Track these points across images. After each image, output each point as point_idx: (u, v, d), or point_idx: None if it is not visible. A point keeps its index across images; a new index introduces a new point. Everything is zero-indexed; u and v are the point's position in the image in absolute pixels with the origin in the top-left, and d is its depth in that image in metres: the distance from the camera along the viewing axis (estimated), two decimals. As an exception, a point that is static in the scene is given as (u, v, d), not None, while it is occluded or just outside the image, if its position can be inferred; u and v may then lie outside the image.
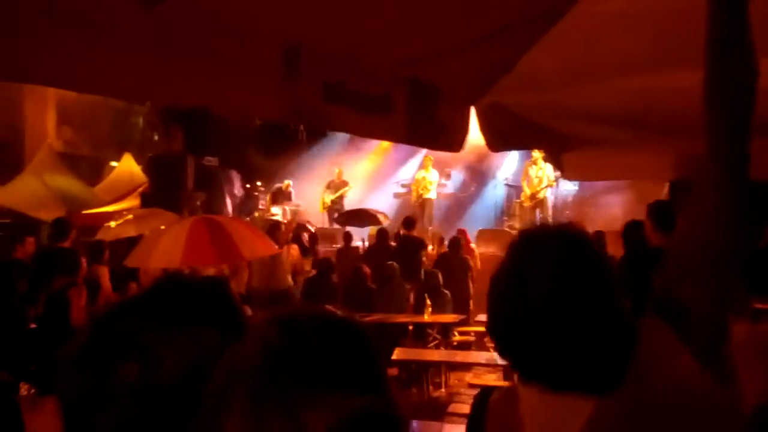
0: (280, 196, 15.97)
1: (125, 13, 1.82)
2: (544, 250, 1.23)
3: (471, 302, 9.83)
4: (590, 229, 10.48)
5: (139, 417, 0.94)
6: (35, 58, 1.70)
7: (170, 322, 0.98)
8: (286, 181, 16.19)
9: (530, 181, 13.97)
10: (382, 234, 11.35)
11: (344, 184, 15.84)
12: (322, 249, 12.21)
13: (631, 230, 5.25)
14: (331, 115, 2.55)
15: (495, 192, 16.18)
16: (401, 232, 11.03)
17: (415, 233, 10.90)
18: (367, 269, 9.41)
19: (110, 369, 0.94)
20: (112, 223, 9.72)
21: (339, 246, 12.59)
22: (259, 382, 0.81)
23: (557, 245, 1.24)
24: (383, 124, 2.88)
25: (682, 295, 1.48)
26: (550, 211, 13.94)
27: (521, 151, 13.58)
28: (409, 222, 10.97)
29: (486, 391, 1.48)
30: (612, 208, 14.10)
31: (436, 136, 3.34)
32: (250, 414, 0.79)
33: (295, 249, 10.45)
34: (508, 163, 16.17)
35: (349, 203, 15.91)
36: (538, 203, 13.87)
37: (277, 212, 15.20)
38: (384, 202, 16.63)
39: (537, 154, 13.43)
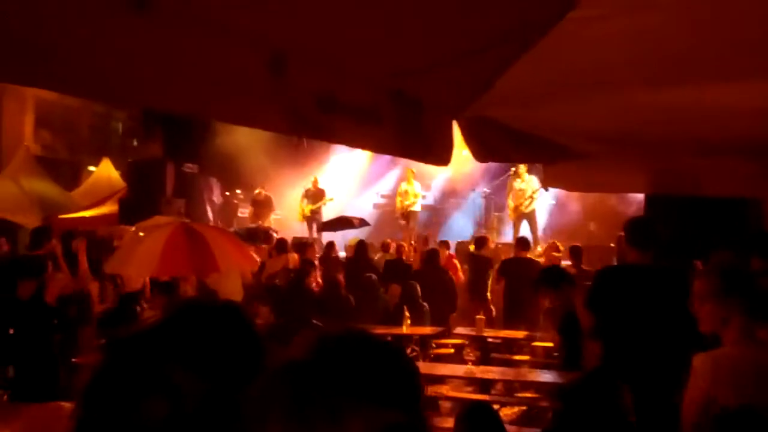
0: (262, 207, 15.93)
1: (114, 18, 1.84)
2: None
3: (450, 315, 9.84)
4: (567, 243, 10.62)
5: None
6: (23, 60, 1.71)
7: (192, 352, 0.99)
8: (257, 189, 16.15)
9: (515, 194, 13.98)
10: (361, 246, 11.40)
11: (321, 192, 15.76)
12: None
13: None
14: (326, 126, 2.57)
15: (474, 204, 16.25)
16: (471, 251, 11.22)
17: (484, 252, 11.00)
18: (341, 278, 9.41)
19: (137, 404, 0.94)
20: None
21: (319, 255, 12.60)
22: (304, 386, 0.83)
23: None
24: (375, 135, 2.91)
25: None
26: (538, 223, 14.01)
27: (500, 165, 13.64)
28: (480, 241, 11.13)
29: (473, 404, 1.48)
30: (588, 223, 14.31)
31: (425, 149, 3.37)
32: (295, 416, 0.81)
33: (294, 257, 10.78)
34: (486, 176, 16.24)
35: (328, 213, 15.89)
36: (525, 216, 13.89)
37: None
38: (363, 213, 16.65)
39: (522, 168, 13.47)
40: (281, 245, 11.06)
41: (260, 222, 15.30)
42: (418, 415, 0.89)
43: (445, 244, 12.00)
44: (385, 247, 12.11)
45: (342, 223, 14.62)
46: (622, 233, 5.48)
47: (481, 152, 3.84)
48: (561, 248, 11.04)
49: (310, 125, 2.52)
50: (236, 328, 1.06)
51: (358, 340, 0.90)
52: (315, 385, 0.83)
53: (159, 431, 0.93)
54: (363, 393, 0.83)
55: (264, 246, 11.41)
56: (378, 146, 3.30)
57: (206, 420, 0.94)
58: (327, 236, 14.35)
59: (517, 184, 13.90)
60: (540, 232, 14.10)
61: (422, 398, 0.92)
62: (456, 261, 11.54)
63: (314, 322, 7.60)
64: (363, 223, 14.65)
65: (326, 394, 0.82)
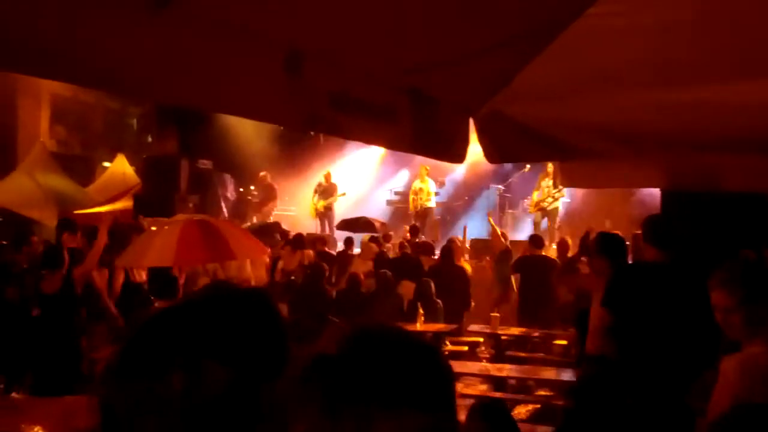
0: (264, 192, 15.92)
1: (135, 16, 1.86)
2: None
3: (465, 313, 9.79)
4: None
5: (183, 426, 0.92)
6: (47, 54, 1.74)
7: (216, 336, 0.96)
8: (262, 173, 16.07)
9: (541, 191, 14.21)
10: (374, 242, 11.45)
11: (333, 187, 15.68)
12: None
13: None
14: (341, 123, 2.57)
15: (488, 201, 16.21)
16: (528, 251, 10.17)
17: (541, 252, 10.07)
18: (361, 276, 9.42)
19: (155, 378, 0.92)
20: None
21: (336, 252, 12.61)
22: (336, 384, 0.82)
23: None
24: (390, 132, 2.91)
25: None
26: (556, 224, 14.13)
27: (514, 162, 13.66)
28: (536, 240, 10.27)
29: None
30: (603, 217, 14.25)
31: (440, 146, 3.36)
32: (324, 418, 0.80)
33: (310, 254, 10.80)
34: (500, 173, 16.19)
35: (340, 209, 15.84)
36: (546, 213, 14.06)
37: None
38: (376, 210, 16.63)
39: (550, 167, 13.66)
40: (298, 241, 11.06)
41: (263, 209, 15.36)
42: (450, 419, 0.86)
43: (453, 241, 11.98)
44: (386, 238, 12.10)
45: (362, 225, 14.53)
46: (639, 231, 5.44)
47: (493, 152, 3.81)
48: (570, 242, 11.02)
49: (326, 122, 2.52)
50: (262, 316, 1.03)
51: (395, 339, 0.88)
52: (346, 384, 0.81)
53: (176, 409, 0.90)
54: (395, 394, 0.82)
55: (280, 242, 11.40)
56: (393, 143, 3.29)
57: (226, 406, 0.91)
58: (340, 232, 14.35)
59: (545, 182, 14.08)
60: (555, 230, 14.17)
61: (454, 400, 0.90)
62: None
63: (331, 318, 7.61)
64: (384, 227, 14.53)
65: (357, 394, 0.81)
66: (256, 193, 16.26)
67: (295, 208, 16.66)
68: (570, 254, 10.43)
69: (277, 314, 1.05)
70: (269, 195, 15.78)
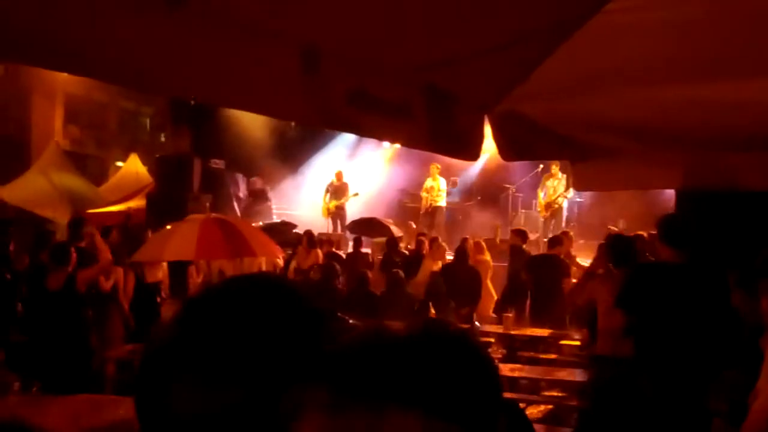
0: (260, 197, 16.01)
1: (147, 14, 1.86)
2: None
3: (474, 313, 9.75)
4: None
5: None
6: (61, 49, 1.75)
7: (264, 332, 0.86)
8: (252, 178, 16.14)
9: (546, 191, 14.15)
10: (391, 243, 11.44)
11: (344, 186, 15.65)
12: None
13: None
14: (358, 120, 2.57)
15: (500, 201, 16.16)
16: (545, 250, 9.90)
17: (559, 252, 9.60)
18: (369, 275, 9.41)
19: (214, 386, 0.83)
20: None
21: (347, 251, 12.61)
22: (344, 387, 0.73)
23: None
24: (406, 129, 2.90)
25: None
26: (563, 222, 14.09)
27: (529, 161, 13.63)
28: (554, 240, 10.02)
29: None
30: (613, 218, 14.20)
31: (454, 144, 3.34)
32: (329, 419, 0.71)
33: (319, 253, 10.91)
34: (513, 173, 16.14)
35: (351, 209, 15.81)
36: (553, 213, 14.02)
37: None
38: (388, 209, 16.59)
39: (555, 167, 13.64)
40: (312, 240, 11.09)
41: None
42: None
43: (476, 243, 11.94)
44: (398, 239, 12.17)
45: (374, 227, 14.44)
46: (654, 231, 5.41)
47: (509, 150, 3.79)
48: (571, 234, 10.96)
49: (343, 119, 2.51)
50: (288, 302, 0.92)
51: (432, 339, 0.74)
52: (358, 383, 0.72)
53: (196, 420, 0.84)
54: (412, 396, 0.71)
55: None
56: (409, 140, 3.28)
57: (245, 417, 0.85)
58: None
59: (551, 182, 14.06)
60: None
61: (499, 412, 0.77)
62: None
63: (342, 316, 7.64)
64: (389, 232, 14.45)
65: (370, 394, 0.71)
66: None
67: (305, 206, 16.63)
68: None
69: (304, 299, 0.95)
70: (259, 198, 16.01)
